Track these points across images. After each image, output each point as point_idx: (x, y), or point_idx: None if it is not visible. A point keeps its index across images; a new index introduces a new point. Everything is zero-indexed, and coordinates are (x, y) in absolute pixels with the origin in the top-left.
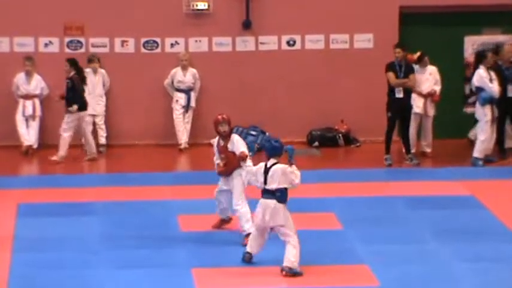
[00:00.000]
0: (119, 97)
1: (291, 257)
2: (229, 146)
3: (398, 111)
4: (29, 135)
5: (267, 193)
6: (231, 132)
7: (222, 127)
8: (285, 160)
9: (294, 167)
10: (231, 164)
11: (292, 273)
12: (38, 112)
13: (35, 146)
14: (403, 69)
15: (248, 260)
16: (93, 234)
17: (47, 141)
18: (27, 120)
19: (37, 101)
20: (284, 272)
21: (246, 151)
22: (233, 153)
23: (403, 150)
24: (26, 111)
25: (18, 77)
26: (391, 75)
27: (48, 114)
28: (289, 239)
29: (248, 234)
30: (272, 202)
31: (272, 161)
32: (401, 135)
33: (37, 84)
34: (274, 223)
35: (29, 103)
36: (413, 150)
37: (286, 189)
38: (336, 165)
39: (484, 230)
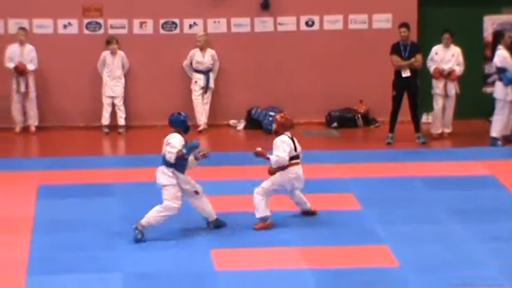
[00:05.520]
0: (137, 78)
1: (148, 214)
2: None
3: (403, 90)
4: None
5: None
6: (277, 132)
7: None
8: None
9: (174, 150)
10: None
11: (136, 229)
12: (31, 89)
13: (36, 124)
14: (409, 49)
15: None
16: (112, 215)
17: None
18: (23, 98)
19: (30, 78)
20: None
21: (276, 153)
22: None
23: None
24: (19, 88)
25: (11, 47)
26: (394, 57)
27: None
28: (163, 201)
29: (262, 220)
30: (161, 167)
31: (172, 130)
32: (410, 114)
33: (29, 53)
34: (158, 182)
35: (21, 80)
36: (439, 131)
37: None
38: (355, 145)
39: (503, 210)
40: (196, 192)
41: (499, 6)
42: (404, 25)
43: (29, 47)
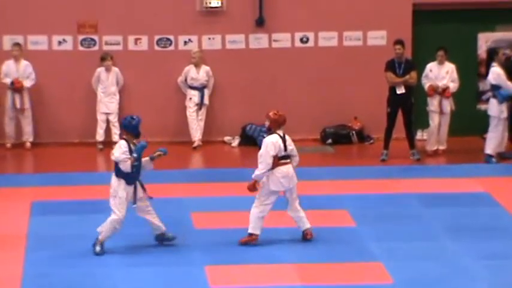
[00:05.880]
0: (132, 95)
1: (102, 226)
2: None
3: (398, 106)
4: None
5: None
6: (269, 129)
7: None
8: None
9: (119, 156)
10: None
11: (96, 241)
12: (27, 105)
13: (31, 139)
14: (403, 66)
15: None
16: None
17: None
18: (17, 114)
19: (25, 94)
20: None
21: (260, 164)
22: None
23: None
24: (14, 104)
25: (6, 63)
26: (389, 74)
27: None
28: (112, 213)
29: (249, 235)
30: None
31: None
32: (405, 131)
33: (25, 69)
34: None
35: (17, 96)
36: (434, 148)
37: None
38: (350, 162)
39: (498, 227)
40: (134, 203)
41: (493, 23)
42: (399, 42)
43: (24, 63)
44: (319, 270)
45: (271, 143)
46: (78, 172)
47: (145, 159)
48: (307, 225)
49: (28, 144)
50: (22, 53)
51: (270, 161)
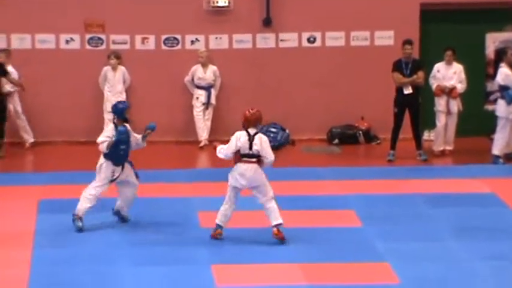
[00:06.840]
0: (139, 94)
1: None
2: None
3: (405, 107)
4: None
5: None
6: (243, 126)
7: None
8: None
9: (100, 137)
10: None
11: (74, 217)
12: (17, 109)
13: (31, 141)
14: (410, 66)
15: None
16: (113, 230)
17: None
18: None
19: (14, 99)
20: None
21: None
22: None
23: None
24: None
25: None
26: (396, 75)
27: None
28: (87, 188)
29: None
30: None
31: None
32: (412, 131)
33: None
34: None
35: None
36: (441, 148)
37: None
38: (356, 162)
39: (504, 228)
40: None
41: (501, 23)
42: (409, 42)
43: (10, 70)
44: (326, 270)
45: (234, 137)
46: (85, 171)
47: (137, 139)
48: (274, 221)
49: (27, 145)
50: (10, 60)
51: (230, 152)
